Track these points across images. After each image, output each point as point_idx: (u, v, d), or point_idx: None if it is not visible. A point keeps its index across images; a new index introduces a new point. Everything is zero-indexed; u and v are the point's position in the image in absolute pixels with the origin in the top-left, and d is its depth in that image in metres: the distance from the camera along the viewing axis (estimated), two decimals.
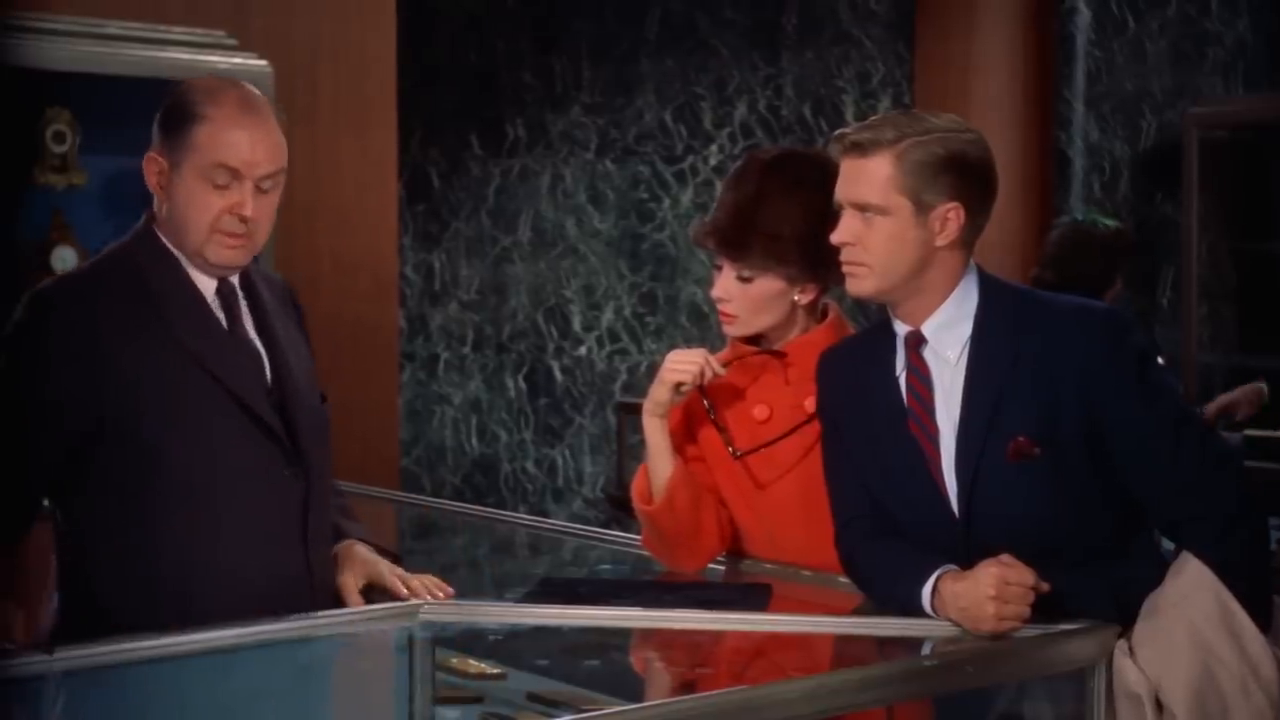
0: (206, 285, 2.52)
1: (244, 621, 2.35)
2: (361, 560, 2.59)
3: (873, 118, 2.50)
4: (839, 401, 2.59)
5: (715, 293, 2.79)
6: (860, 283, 2.47)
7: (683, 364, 2.72)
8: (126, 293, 2.46)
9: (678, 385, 2.73)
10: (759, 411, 2.81)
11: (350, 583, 2.55)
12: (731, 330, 2.81)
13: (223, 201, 2.44)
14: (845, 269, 2.48)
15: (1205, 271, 6.83)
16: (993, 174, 2.49)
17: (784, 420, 2.77)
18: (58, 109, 4.35)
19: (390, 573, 2.56)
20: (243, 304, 2.56)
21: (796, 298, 2.76)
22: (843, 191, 2.47)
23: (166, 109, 2.51)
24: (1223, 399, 5.23)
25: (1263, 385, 4.95)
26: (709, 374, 2.73)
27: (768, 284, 2.74)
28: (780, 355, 2.80)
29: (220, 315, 2.52)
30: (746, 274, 2.74)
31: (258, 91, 2.54)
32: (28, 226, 4.32)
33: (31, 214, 4.28)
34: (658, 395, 2.74)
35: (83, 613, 2.45)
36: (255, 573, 2.45)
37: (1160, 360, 2.68)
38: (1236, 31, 7.63)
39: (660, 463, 2.76)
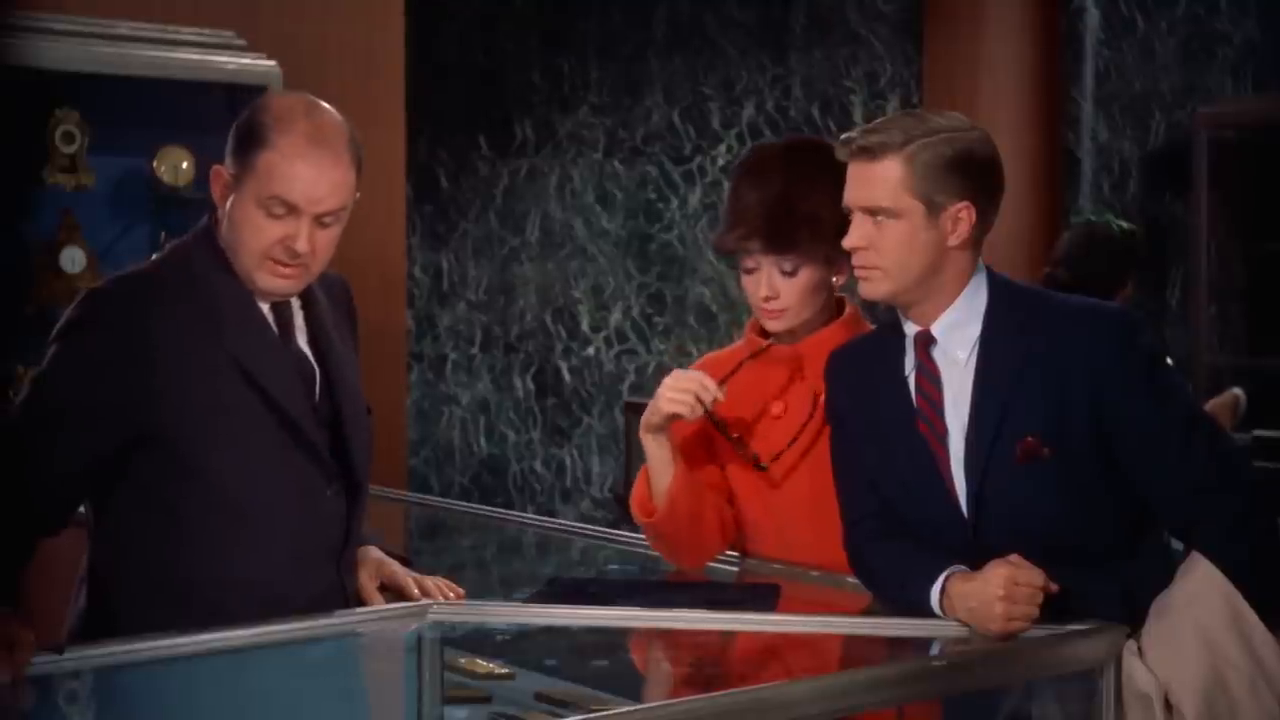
0: (260, 296, 2.48)
1: (254, 622, 2.35)
2: (375, 561, 2.58)
3: (878, 120, 2.49)
4: (848, 401, 2.59)
5: (763, 292, 2.74)
6: (874, 286, 2.46)
7: (677, 394, 2.66)
8: (180, 298, 2.42)
9: (673, 415, 2.70)
10: (775, 407, 2.80)
11: (367, 581, 2.55)
12: (779, 325, 2.78)
13: (278, 231, 2.38)
14: (858, 273, 2.47)
15: (1214, 272, 6.82)
16: (1000, 171, 2.49)
17: (800, 416, 2.76)
18: (67, 109, 4.36)
19: (403, 574, 2.56)
20: (298, 315, 2.51)
21: (835, 279, 2.76)
22: (852, 196, 2.46)
23: (240, 123, 2.44)
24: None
25: (1238, 392, 4.90)
26: (707, 399, 2.68)
27: (813, 272, 2.73)
28: (797, 355, 2.79)
29: (274, 327, 2.47)
30: (790, 267, 2.73)
31: (336, 119, 2.45)
32: (37, 226, 4.34)
33: (40, 214, 4.30)
34: (653, 420, 2.71)
35: (104, 617, 2.43)
36: (285, 588, 2.42)
37: (1169, 361, 2.67)
38: (1245, 31, 7.61)
39: (660, 474, 2.75)
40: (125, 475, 2.40)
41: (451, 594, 2.53)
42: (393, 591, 2.55)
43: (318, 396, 2.49)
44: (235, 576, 2.40)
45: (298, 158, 2.37)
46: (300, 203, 2.37)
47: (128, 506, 2.42)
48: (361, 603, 2.53)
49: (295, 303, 2.51)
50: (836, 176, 2.60)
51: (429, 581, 2.54)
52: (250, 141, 2.40)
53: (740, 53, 6.88)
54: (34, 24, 4.19)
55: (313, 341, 2.52)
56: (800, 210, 2.70)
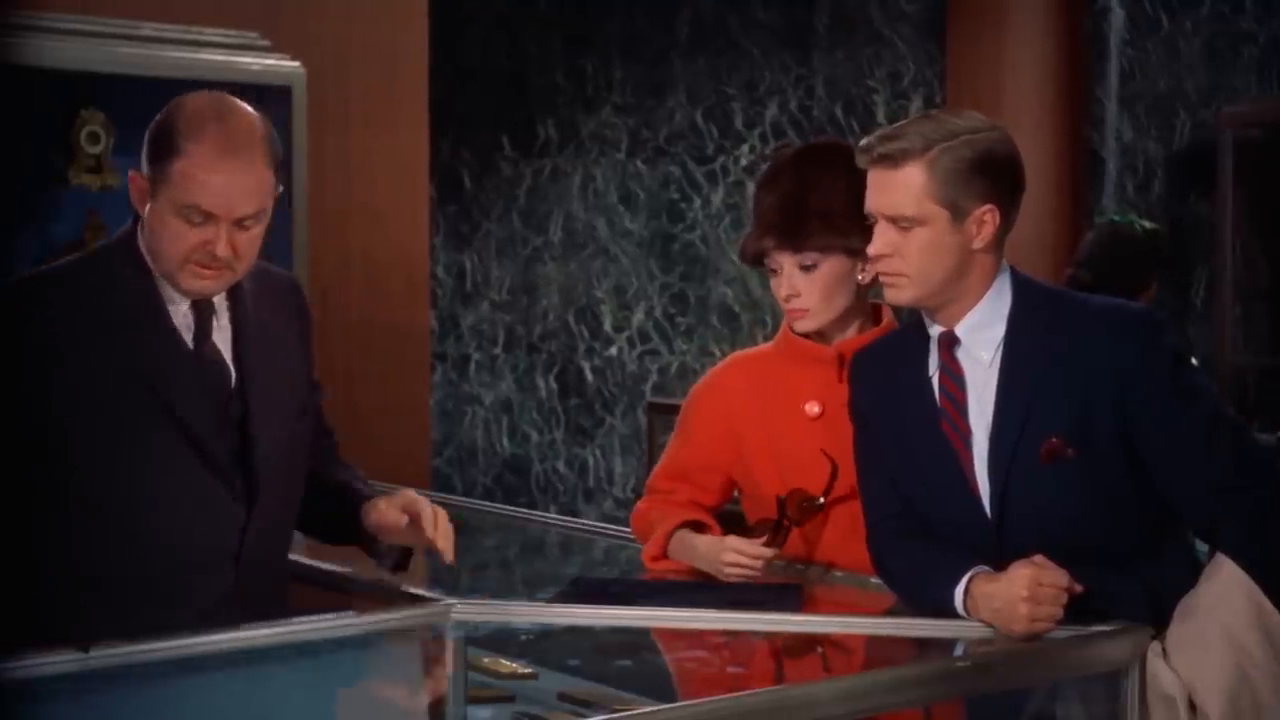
0: (179, 299, 2.46)
1: (277, 621, 2.36)
2: (388, 497, 2.58)
3: (894, 126, 2.47)
4: (871, 401, 2.58)
5: (783, 292, 2.77)
6: (900, 292, 2.46)
7: (739, 569, 2.72)
8: (90, 300, 2.42)
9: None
10: (810, 408, 2.80)
11: (389, 510, 2.54)
12: (805, 325, 2.79)
13: (196, 236, 2.38)
14: (883, 279, 2.47)
15: (1239, 272, 6.80)
16: (1021, 169, 2.48)
17: (836, 418, 2.75)
18: (92, 110, 4.37)
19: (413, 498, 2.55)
20: (223, 314, 2.50)
21: (860, 276, 2.75)
22: (875, 203, 2.45)
23: (152, 127, 2.43)
24: None
25: None
26: (768, 557, 2.73)
27: (832, 266, 2.74)
28: (839, 356, 2.78)
29: (188, 331, 2.46)
30: (809, 262, 2.74)
31: (249, 119, 2.44)
32: (62, 227, 4.35)
33: (66, 214, 4.31)
34: (709, 569, 2.76)
35: (11, 619, 2.40)
36: (178, 592, 2.42)
37: (1194, 361, 2.67)
38: (1270, 30, 7.59)
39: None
40: (34, 474, 2.39)
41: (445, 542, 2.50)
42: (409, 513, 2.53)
43: (230, 400, 2.48)
44: (128, 577, 2.40)
45: (210, 166, 2.36)
46: (217, 210, 2.36)
47: (37, 504, 2.41)
48: (385, 520, 2.53)
49: (221, 303, 2.50)
50: (850, 173, 2.62)
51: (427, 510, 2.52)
52: (163, 148, 2.38)
53: (763, 53, 6.88)
54: (58, 25, 4.21)
55: (235, 341, 2.50)
56: (811, 205, 2.73)
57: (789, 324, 2.85)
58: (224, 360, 2.49)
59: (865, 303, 2.83)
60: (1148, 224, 4.69)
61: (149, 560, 2.42)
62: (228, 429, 2.47)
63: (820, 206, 2.73)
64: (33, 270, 2.56)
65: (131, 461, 2.40)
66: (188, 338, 2.46)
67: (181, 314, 2.46)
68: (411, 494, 2.57)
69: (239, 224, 2.39)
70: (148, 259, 2.45)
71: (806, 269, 2.75)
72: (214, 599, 2.44)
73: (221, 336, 2.49)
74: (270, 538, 2.54)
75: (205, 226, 2.37)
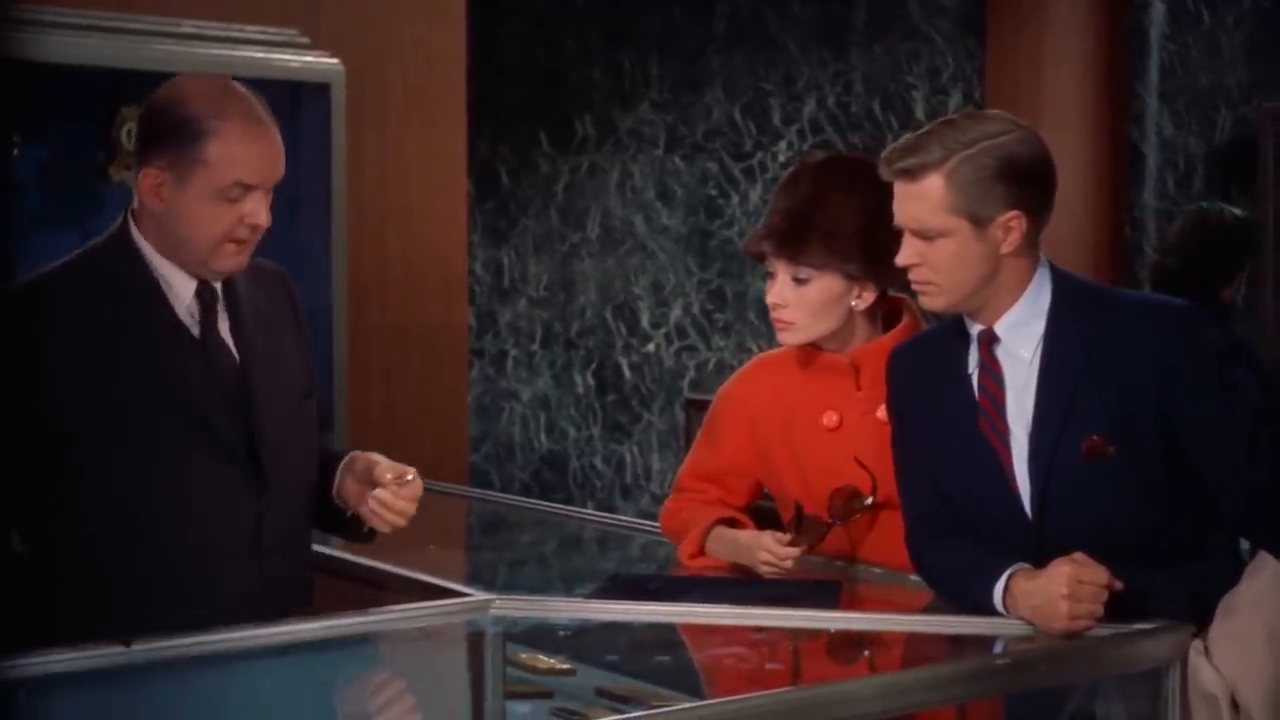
0: (185, 287, 2.46)
1: (313, 616, 2.37)
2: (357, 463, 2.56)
3: (916, 134, 2.45)
4: (910, 398, 2.58)
5: (771, 298, 2.77)
6: (932, 300, 2.46)
7: (774, 566, 2.71)
8: (90, 301, 2.42)
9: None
10: (828, 419, 2.79)
11: (354, 487, 2.53)
12: (788, 338, 2.79)
13: (235, 213, 2.40)
14: (915, 287, 2.47)
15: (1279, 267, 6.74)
16: (1049, 170, 2.45)
17: (854, 427, 2.76)
18: (132, 107, 4.39)
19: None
20: (221, 301, 2.50)
21: (854, 303, 2.74)
22: (899, 215, 2.45)
23: (164, 121, 2.41)
24: None
25: None
26: (796, 555, 2.72)
27: (825, 285, 2.73)
28: (854, 365, 2.78)
29: (194, 321, 2.46)
30: (803, 275, 2.73)
31: (248, 91, 2.46)
32: (104, 223, 4.37)
33: (106, 212, 4.33)
34: (750, 564, 2.75)
35: (22, 624, 2.38)
36: (201, 586, 2.40)
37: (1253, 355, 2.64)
38: None
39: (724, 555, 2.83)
40: (44, 479, 2.38)
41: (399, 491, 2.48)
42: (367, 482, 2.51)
43: (236, 389, 2.47)
44: (152, 576, 2.39)
45: (247, 139, 2.40)
46: (259, 181, 2.41)
47: (54, 509, 2.40)
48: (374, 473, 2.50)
49: (218, 290, 2.50)
50: (869, 195, 2.61)
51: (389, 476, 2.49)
52: (187, 135, 2.38)
53: (801, 49, 6.87)
54: (99, 22, 4.23)
55: (234, 328, 2.50)
56: (817, 220, 2.71)
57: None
58: (229, 346, 2.49)
59: (864, 317, 2.79)
60: (1238, 210, 4.54)
61: (172, 557, 2.40)
62: (236, 416, 2.46)
63: (826, 224, 2.71)
64: (32, 274, 2.53)
65: (147, 459, 2.39)
66: (193, 328, 2.46)
67: (185, 306, 2.46)
68: (375, 464, 2.53)
69: (268, 191, 2.43)
70: (147, 249, 2.45)
71: (799, 281, 2.74)
72: (239, 593, 2.43)
73: (223, 324, 2.49)
74: (288, 525, 2.52)
75: (242, 201, 2.40)
